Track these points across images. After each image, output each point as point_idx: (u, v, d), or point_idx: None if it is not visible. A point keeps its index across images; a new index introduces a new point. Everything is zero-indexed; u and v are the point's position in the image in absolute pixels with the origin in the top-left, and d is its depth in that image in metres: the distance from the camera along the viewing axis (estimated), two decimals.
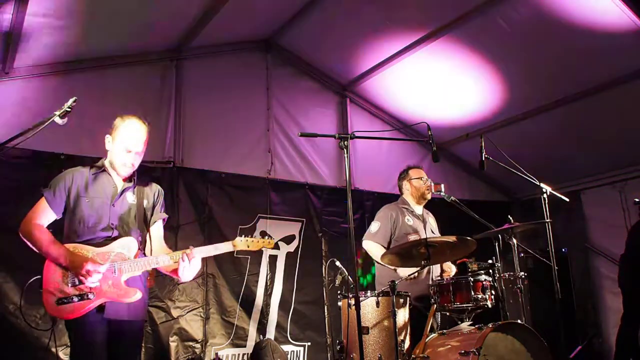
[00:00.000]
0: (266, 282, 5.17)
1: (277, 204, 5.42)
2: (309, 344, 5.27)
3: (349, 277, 3.73)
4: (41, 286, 2.59)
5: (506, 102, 5.63)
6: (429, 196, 4.34)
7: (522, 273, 3.70)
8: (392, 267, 3.94)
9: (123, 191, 2.82)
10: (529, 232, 6.29)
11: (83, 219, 2.70)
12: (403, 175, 4.45)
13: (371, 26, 5.11)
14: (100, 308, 2.60)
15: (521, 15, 4.51)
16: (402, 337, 3.45)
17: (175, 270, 2.77)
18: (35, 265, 2.63)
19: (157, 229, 2.97)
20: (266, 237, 2.97)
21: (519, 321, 3.44)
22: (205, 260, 4.81)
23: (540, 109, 5.57)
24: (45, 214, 2.70)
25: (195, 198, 4.97)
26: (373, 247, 4.13)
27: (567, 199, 4.14)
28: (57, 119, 2.50)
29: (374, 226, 4.20)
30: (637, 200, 5.06)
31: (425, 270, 4.03)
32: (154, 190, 2.98)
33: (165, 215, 3.03)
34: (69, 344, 2.76)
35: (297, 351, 5.20)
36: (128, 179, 2.86)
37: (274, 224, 5.34)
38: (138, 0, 4.19)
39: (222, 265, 4.94)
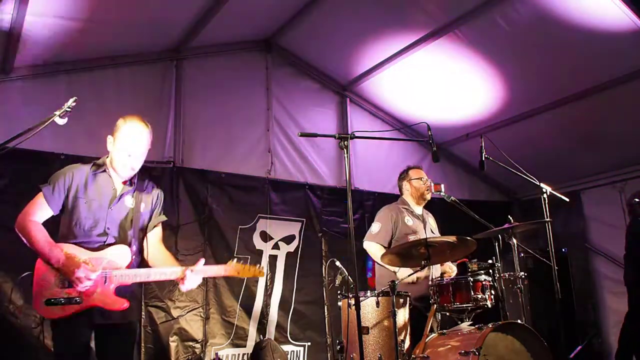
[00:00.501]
0: (266, 282, 5.17)
1: (277, 204, 5.42)
2: (309, 344, 5.27)
3: (349, 277, 3.73)
4: (32, 283, 2.58)
5: (506, 102, 5.63)
6: (428, 196, 4.34)
7: (522, 273, 3.70)
8: (392, 270, 3.94)
9: (122, 195, 2.79)
10: (529, 232, 6.32)
11: (79, 221, 2.67)
12: (403, 175, 4.45)
13: (371, 26, 5.11)
14: (89, 311, 2.58)
15: (521, 16, 4.51)
16: (402, 337, 3.45)
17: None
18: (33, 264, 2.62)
19: (155, 234, 2.93)
20: (258, 266, 2.91)
21: (519, 321, 3.44)
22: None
23: (540, 109, 5.57)
24: (42, 210, 2.67)
25: (195, 198, 4.97)
26: (374, 248, 4.13)
27: (567, 199, 4.14)
28: (57, 119, 2.49)
29: (375, 227, 4.20)
30: (637, 200, 5.07)
31: (426, 269, 4.03)
32: (153, 195, 2.93)
33: (165, 218, 2.99)
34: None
35: (297, 351, 5.20)
36: (128, 182, 2.83)
37: (274, 224, 5.34)
38: (138, 0, 4.19)
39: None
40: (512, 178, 5.49)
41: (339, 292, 3.78)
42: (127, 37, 4.63)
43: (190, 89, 5.22)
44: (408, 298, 3.63)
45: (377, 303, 3.47)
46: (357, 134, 3.23)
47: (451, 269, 4.20)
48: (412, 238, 4.05)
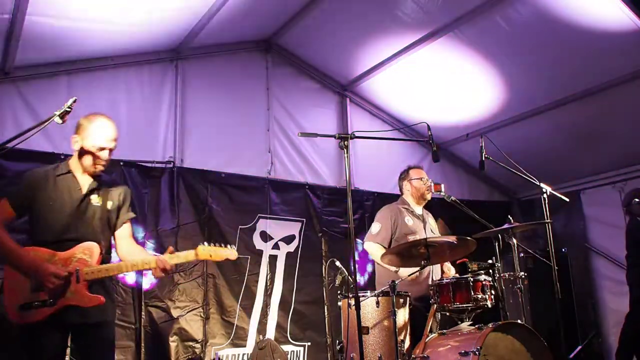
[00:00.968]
0: (266, 282, 5.17)
1: (277, 204, 5.41)
2: (309, 344, 5.27)
3: (349, 277, 3.73)
4: (2, 290, 2.58)
5: (506, 102, 5.63)
6: (428, 196, 4.35)
7: (522, 273, 3.69)
8: (393, 269, 3.94)
9: (88, 194, 2.80)
10: (529, 232, 6.34)
11: (47, 223, 2.68)
12: (403, 175, 4.46)
13: (371, 26, 5.11)
14: (64, 312, 2.59)
15: (521, 16, 4.51)
16: (402, 337, 3.45)
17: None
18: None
19: (125, 230, 2.93)
20: (229, 247, 2.90)
21: (519, 321, 3.45)
22: (205, 260, 4.82)
23: (540, 109, 5.57)
24: (4, 216, 2.67)
25: (195, 198, 4.97)
26: (374, 249, 4.13)
27: (567, 199, 4.14)
28: (57, 119, 2.50)
29: (375, 227, 4.20)
30: (637, 200, 5.07)
31: (426, 270, 4.03)
32: (119, 191, 2.94)
33: (133, 215, 2.99)
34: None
35: (297, 351, 5.20)
36: (94, 180, 2.84)
37: (274, 224, 5.34)
38: (138, 0, 4.19)
39: (222, 265, 4.93)
40: (512, 178, 5.49)
41: (339, 292, 3.79)
42: (127, 37, 4.62)
43: (190, 89, 5.22)
44: (408, 298, 3.63)
45: (377, 303, 3.47)
46: (357, 134, 3.23)
47: (449, 270, 4.20)
48: (411, 238, 4.04)
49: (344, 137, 3.09)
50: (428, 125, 3.42)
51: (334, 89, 6.15)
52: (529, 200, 6.88)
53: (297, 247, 5.45)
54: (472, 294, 3.47)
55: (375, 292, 3.53)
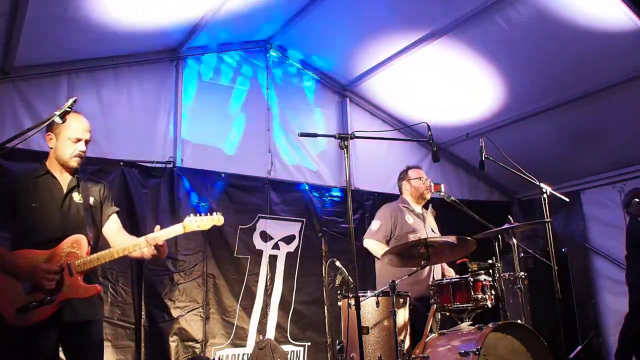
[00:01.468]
0: (266, 282, 5.17)
1: (277, 204, 5.41)
2: (309, 344, 5.27)
3: (349, 277, 3.73)
4: None
5: (506, 102, 5.63)
6: (428, 196, 4.36)
7: (522, 273, 3.70)
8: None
9: (69, 192, 2.81)
10: (529, 232, 6.34)
11: (31, 225, 2.69)
12: (402, 175, 4.47)
13: (371, 26, 5.11)
14: (61, 309, 2.59)
15: (521, 16, 4.51)
16: (402, 337, 3.45)
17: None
18: None
19: (112, 223, 2.96)
20: (215, 214, 2.94)
21: (519, 321, 3.45)
22: (205, 260, 4.84)
23: (540, 109, 5.56)
24: None
25: (195, 198, 4.96)
26: (374, 245, 4.15)
27: (567, 199, 4.14)
28: (57, 119, 2.49)
29: (375, 224, 4.23)
30: (637, 200, 5.07)
31: (427, 270, 4.03)
32: (99, 187, 2.97)
33: (117, 209, 3.01)
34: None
35: (297, 351, 5.20)
36: (73, 175, 2.85)
37: (274, 224, 5.33)
38: (138, 0, 4.19)
39: (222, 265, 4.94)
40: (512, 178, 5.49)
41: (339, 292, 3.79)
42: (127, 37, 4.62)
43: (190, 89, 5.22)
44: (408, 298, 3.64)
45: (377, 303, 3.47)
46: (357, 134, 3.23)
47: (450, 273, 4.21)
48: (412, 236, 4.07)
49: (344, 137, 3.09)
50: (428, 125, 3.42)
51: (334, 89, 6.15)
52: (529, 200, 6.88)
53: (297, 247, 5.45)
54: (472, 294, 3.48)
55: (375, 292, 3.53)
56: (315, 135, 3.55)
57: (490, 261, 3.69)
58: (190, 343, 4.62)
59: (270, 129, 5.62)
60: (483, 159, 3.91)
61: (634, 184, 5.68)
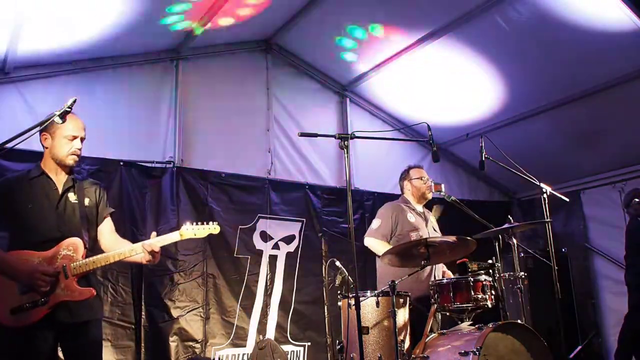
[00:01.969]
0: (266, 282, 5.17)
1: (277, 204, 5.41)
2: (309, 344, 5.27)
3: (349, 277, 3.73)
4: None
5: (506, 102, 5.63)
6: (429, 196, 4.36)
7: (522, 273, 3.70)
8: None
9: (64, 193, 2.81)
10: (529, 232, 6.34)
11: (27, 226, 2.69)
12: (404, 175, 4.48)
13: (371, 26, 5.11)
14: (55, 311, 2.60)
15: (521, 16, 4.51)
16: (402, 337, 3.45)
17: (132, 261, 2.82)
18: None
19: (106, 225, 2.97)
20: (211, 223, 2.96)
21: (519, 321, 3.45)
22: (205, 260, 4.84)
23: (540, 109, 5.56)
24: None
25: (195, 198, 4.96)
26: (374, 243, 4.15)
27: (567, 199, 4.14)
28: (57, 119, 2.49)
29: (375, 223, 4.24)
30: (637, 200, 5.07)
31: (427, 270, 4.04)
32: (94, 188, 2.97)
33: (112, 210, 3.02)
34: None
35: (297, 351, 5.20)
36: (69, 174, 2.85)
37: (274, 224, 5.33)
38: (137, 0, 4.19)
39: (222, 265, 4.94)
40: (512, 178, 5.49)
41: (339, 292, 3.79)
42: (127, 37, 4.62)
43: (190, 89, 5.22)
44: (408, 298, 3.63)
45: (377, 303, 3.46)
46: (357, 134, 3.23)
47: (450, 275, 4.21)
48: (414, 235, 4.07)
49: (344, 137, 3.09)
50: (428, 125, 3.42)
51: (334, 89, 6.15)
52: (529, 200, 6.88)
53: (297, 247, 5.45)
54: (472, 294, 3.48)
55: (375, 292, 3.53)
56: (315, 135, 3.54)
57: (490, 261, 3.69)
58: (190, 343, 4.62)
59: (270, 129, 5.62)
60: (483, 159, 3.91)
61: (634, 184, 5.68)
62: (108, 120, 4.70)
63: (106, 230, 2.96)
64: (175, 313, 4.60)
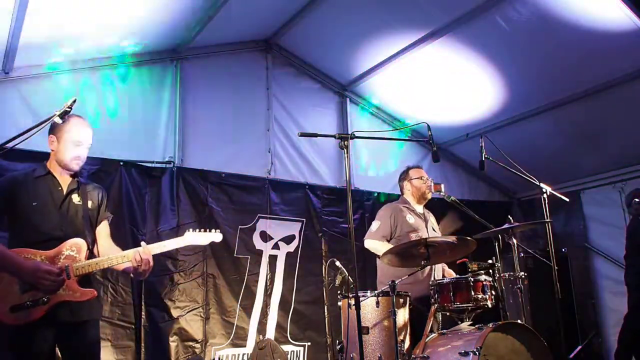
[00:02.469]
0: (266, 282, 5.17)
1: (277, 204, 5.41)
2: (309, 344, 5.27)
3: (349, 277, 3.73)
4: None
5: (506, 102, 5.63)
6: (429, 196, 4.36)
7: (522, 273, 3.70)
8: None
9: (69, 194, 2.84)
10: (529, 232, 6.34)
11: (30, 224, 2.70)
12: (403, 175, 4.48)
13: (371, 26, 5.11)
14: (54, 310, 2.60)
15: (521, 15, 4.51)
16: (402, 337, 3.45)
17: (128, 268, 2.82)
18: None
19: (103, 228, 3.00)
20: (214, 231, 3.05)
21: (519, 321, 3.45)
22: (205, 260, 4.84)
23: (540, 109, 5.57)
24: None
25: (195, 198, 4.96)
26: (374, 244, 4.15)
27: (567, 199, 4.14)
28: (57, 119, 2.50)
29: (375, 225, 4.24)
30: (637, 200, 5.07)
31: (427, 270, 4.04)
32: (97, 191, 3.02)
33: (110, 215, 3.07)
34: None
35: (297, 351, 5.20)
36: (73, 178, 2.88)
37: (274, 224, 5.33)
38: (137, 0, 4.19)
39: (222, 265, 4.94)
40: (512, 178, 5.49)
41: (339, 292, 3.79)
42: (127, 37, 4.63)
43: (190, 89, 5.22)
44: (408, 298, 3.63)
45: (377, 303, 3.47)
46: (357, 134, 3.23)
47: (450, 275, 4.21)
48: (413, 236, 4.07)
49: (344, 137, 3.09)
50: (428, 125, 3.42)
51: (334, 89, 6.15)
52: (529, 200, 6.88)
53: (297, 247, 5.45)
54: (473, 294, 3.48)
55: (376, 292, 3.53)
56: (315, 135, 3.54)
57: (490, 261, 3.69)
58: (190, 343, 4.62)
59: (270, 129, 5.62)
60: (483, 159, 3.91)
61: (634, 184, 5.68)
62: (108, 120, 4.70)
63: (102, 234, 2.99)
64: (175, 313, 4.60)
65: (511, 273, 3.71)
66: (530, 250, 5.08)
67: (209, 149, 5.20)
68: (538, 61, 4.99)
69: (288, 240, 5.41)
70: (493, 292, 3.55)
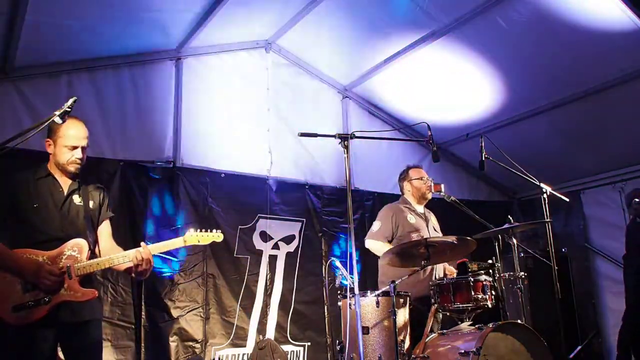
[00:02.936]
0: (266, 282, 5.17)
1: (277, 204, 5.41)
2: (309, 344, 5.27)
3: (349, 277, 3.72)
4: None
5: (506, 102, 5.63)
6: (429, 196, 4.36)
7: (522, 273, 3.70)
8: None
9: (69, 194, 2.86)
10: (528, 232, 6.34)
11: (31, 225, 2.71)
12: (403, 175, 4.48)
13: (372, 26, 5.11)
14: (56, 310, 2.61)
15: (521, 16, 4.51)
16: (402, 337, 3.45)
17: (128, 269, 2.82)
18: None
19: (105, 228, 3.01)
20: (214, 231, 3.07)
21: (519, 321, 3.45)
22: (205, 260, 4.84)
23: (540, 109, 5.56)
24: None
25: (195, 198, 4.96)
26: (375, 245, 4.15)
27: (567, 199, 4.14)
28: (57, 119, 2.50)
29: (375, 225, 4.24)
30: (637, 200, 5.07)
31: (428, 270, 4.04)
32: (98, 191, 3.03)
33: (111, 214, 3.07)
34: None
35: (297, 351, 5.20)
36: (73, 180, 2.89)
37: (274, 224, 5.33)
38: (138, 0, 4.19)
39: (222, 265, 4.94)
40: (512, 178, 5.48)
41: (339, 292, 3.79)
42: (127, 37, 4.63)
43: (190, 89, 5.21)
44: (408, 298, 3.64)
45: (377, 303, 3.47)
46: (357, 134, 3.23)
47: (451, 272, 4.21)
48: (414, 236, 4.07)
49: (344, 137, 3.10)
50: (428, 125, 3.42)
51: (334, 88, 6.15)
52: (529, 200, 6.88)
53: (297, 247, 5.45)
54: (473, 294, 3.48)
55: (376, 292, 3.53)
56: (315, 135, 3.54)
57: (490, 261, 3.69)
58: (190, 343, 4.62)
59: (270, 129, 5.62)
60: (483, 159, 3.92)
61: (634, 184, 5.68)
62: (108, 120, 4.70)
63: (104, 234, 2.99)
64: (175, 313, 4.60)
65: (511, 273, 3.71)
66: (530, 250, 5.08)
67: (209, 149, 5.20)
68: (538, 61, 4.99)
69: (288, 240, 5.41)
70: (493, 292, 3.55)
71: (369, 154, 6.13)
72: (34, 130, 2.48)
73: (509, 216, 3.89)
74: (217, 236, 3.07)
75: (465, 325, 3.52)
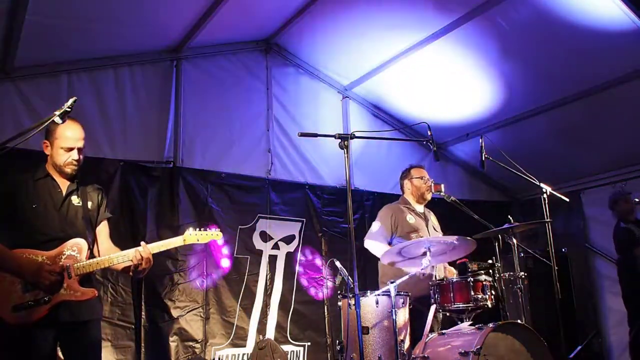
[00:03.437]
0: (266, 282, 5.17)
1: (277, 204, 5.41)
2: (309, 344, 5.27)
3: (349, 277, 3.72)
4: None
5: (506, 102, 5.63)
6: (428, 196, 4.35)
7: (522, 273, 3.70)
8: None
9: (68, 195, 2.86)
10: (528, 232, 6.34)
11: (31, 226, 2.71)
12: (405, 174, 4.47)
13: (372, 26, 5.11)
14: (56, 310, 2.61)
15: (521, 15, 4.51)
16: (402, 337, 3.45)
17: (127, 268, 2.82)
18: None
19: (103, 229, 3.01)
20: (214, 230, 3.09)
21: (519, 321, 3.45)
22: (205, 260, 4.84)
23: (540, 109, 5.57)
24: None
25: (195, 198, 4.96)
26: (374, 245, 4.14)
27: (567, 199, 4.14)
28: (57, 119, 2.49)
29: (375, 226, 4.23)
30: (637, 200, 5.07)
31: (428, 270, 4.03)
32: (97, 192, 3.03)
33: (109, 215, 3.07)
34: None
35: (297, 351, 5.20)
36: (72, 181, 2.89)
37: (274, 224, 5.33)
38: (138, 0, 4.19)
39: (221, 265, 4.94)
40: (512, 178, 5.48)
41: (339, 292, 3.78)
42: (127, 37, 4.62)
43: (190, 89, 5.21)
44: (408, 298, 3.63)
45: (377, 303, 3.46)
46: (357, 134, 3.23)
47: (451, 272, 4.21)
48: (414, 236, 4.07)
49: (344, 137, 3.09)
50: (428, 125, 3.42)
51: (334, 89, 6.15)
52: (529, 200, 6.87)
53: (297, 247, 5.44)
54: (473, 294, 3.48)
55: (376, 292, 3.53)
56: (315, 135, 3.54)
57: (490, 261, 3.69)
58: (190, 343, 4.62)
59: (270, 129, 5.62)
60: (483, 158, 3.92)
61: (634, 184, 5.68)
62: (108, 120, 4.70)
63: (102, 235, 3.00)
64: (175, 313, 4.60)
65: (511, 273, 3.71)
66: (530, 250, 5.08)
67: (209, 149, 5.20)
68: (538, 61, 4.99)
69: (288, 240, 5.41)
70: (493, 292, 3.55)
71: (369, 154, 6.13)
72: (34, 131, 2.48)
73: (509, 216, 3.89)
74: (216, 234, 3.07)
75: (465, 325, 3.51)
